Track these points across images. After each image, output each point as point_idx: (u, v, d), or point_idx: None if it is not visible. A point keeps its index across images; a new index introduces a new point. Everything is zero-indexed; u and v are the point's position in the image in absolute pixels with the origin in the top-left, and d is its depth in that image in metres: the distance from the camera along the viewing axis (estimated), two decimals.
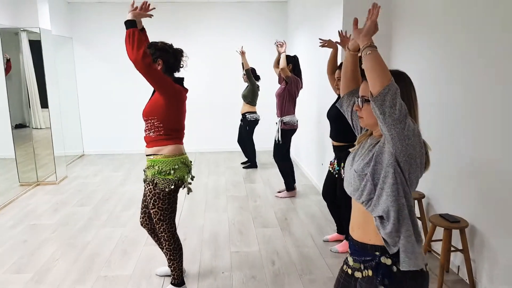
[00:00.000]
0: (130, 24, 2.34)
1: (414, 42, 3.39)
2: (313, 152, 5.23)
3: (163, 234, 2.61)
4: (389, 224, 1.37)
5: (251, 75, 5.60)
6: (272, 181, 5.33)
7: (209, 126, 7.16)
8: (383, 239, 1.39)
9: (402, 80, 1.41)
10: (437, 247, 3.00)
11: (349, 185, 1.50)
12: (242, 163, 6.19)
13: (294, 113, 4.48)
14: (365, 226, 1.46)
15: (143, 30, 2.57)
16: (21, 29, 5.34)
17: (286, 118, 4.41)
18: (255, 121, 5.87)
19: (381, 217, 1.39)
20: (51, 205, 4.61)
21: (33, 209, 4.47)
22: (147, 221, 2.79)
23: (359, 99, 1.47)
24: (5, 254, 3.41)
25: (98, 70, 6.99)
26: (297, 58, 4.47)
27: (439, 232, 2.81)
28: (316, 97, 4.97)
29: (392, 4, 3.70)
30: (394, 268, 1.38)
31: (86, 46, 6.96)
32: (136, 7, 2.39)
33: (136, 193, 4.90)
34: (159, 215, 2.57)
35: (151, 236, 2.85)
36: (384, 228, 1.38)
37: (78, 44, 6.95)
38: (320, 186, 4.77)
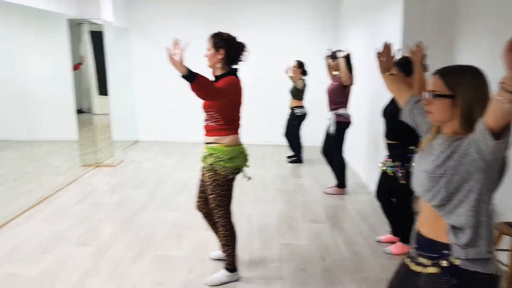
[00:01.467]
0: (187, 77, 2.19)
1: (479, 41, 3.24)
2: (364, 150, 5.16)
3: (220, 219, 2.70)
4: (464, 236, 1.33)
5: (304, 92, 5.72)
6: (320, 177, 5.31)
7: (256, 119, 7.23)
8: (454, 244, 1.36)
9: (481, 78, 1.38)
10: (503, 257, 2.87)
11: (418, 185, 1.47)
12: (287, 157, 6.22)
13: (346, 107, 4.45)
14: (434, 224, 1.43)
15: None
16: (84, 21, 5.67)
17: (340, 111, 4.38)
18: (303, 116, 5.87)
19: (454, 227, 1.35)
20: (110, 186, 4.88)
21: (94, 189, 4.76)
22: (203, 206, 2.89)
23: (429, 93, 1.41)
24: (71, 227, 3.68)
25: (153, 59, 7.26)
26: (349, 55, 4.40)
27: (506, 242, 2.69)
28: (369, 92, 4.88)
29: (456, 3, 3.55)
30: (464, 268, 1.35)
31: (142, 36, 7.25)
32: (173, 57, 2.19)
33: (188, 179, 5.07)
34: (218, 201, 2.66)
35: (206, 221, 2.95)
36: (457, 238, 1.34)
37: (135, 34, 7.25)
38: (371, 184, 4.70)
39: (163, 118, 7.44)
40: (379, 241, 3.48)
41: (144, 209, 4.16)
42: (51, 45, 6.94)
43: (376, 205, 3.59)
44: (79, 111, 6.47)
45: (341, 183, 4.63)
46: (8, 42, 6.83)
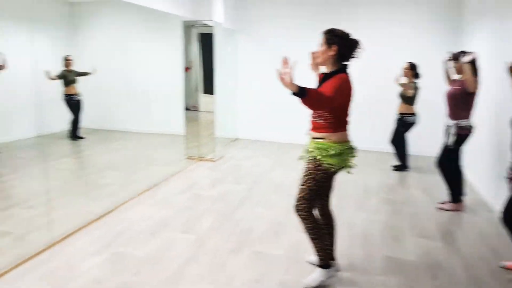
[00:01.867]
0: (298, 94, 2.16)
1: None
2: (486, 163, 4.53)
3: (301, 212, 2.58)
4: None
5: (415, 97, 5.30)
6: (431, 189, 4.81)
7: (360, 123, 6.89)
8: None
9: None
10: None
11: None
12: (393, 166, 5.77)
13: (470, 117, 3.92)
14: None
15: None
16: (197, 23, 5.96)
17: (463, 122, 3.89)
18: (413, 123, 5.39)
19: None
20: (211, 180, 5.04)
21: (196, 181, 4.95)
22: None
23: None
24: (175, 215, 3.85)
25: (257, 60, 7.39)
26: (475, 59, 3.85)
27: None
28: (494, 99, 4.27)
29: None
30: None
31: (248, 36, 7.41)
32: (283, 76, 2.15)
33: (284, 179, 5.02)
34: (305, 193, 2.57)
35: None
36: None
37: (242, 35, 7.45)
38: (493, 202, 4.10)
39: (262, 118, 7.52)
40: (503, 267, 2.98)
41: (242, 204, 4.18)
42: (166, 45, 7.50)
43: (500, 226, 3.08)
44: (186, 108, 6.85)
45: (457, 198, 4.11)
46: (129, 40, 7.60)
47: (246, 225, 3.66)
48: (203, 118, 6.89)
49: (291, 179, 4.97)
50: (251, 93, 7.56)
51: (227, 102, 7.24)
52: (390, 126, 5.80)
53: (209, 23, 5.83)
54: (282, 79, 2.13)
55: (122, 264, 2.95)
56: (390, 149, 5.90)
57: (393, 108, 5.72)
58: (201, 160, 5.95)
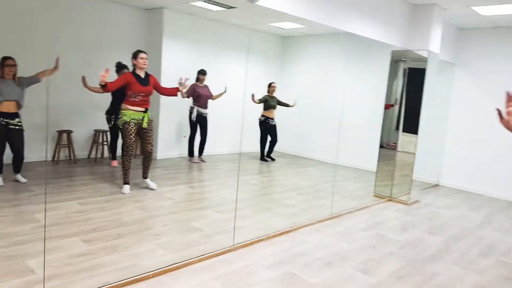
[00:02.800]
0: None
1: None
2: None
3: None
4: None
5: None
6: None
7: None
8: None
9: None
10: None
11: None
12: None
13: None
14: None
15: None
16: (406, 56, 5.50)
17: None
18: None
19: None
20: (400, 223, 4.44)
21: (382, 221, 4.45)
22: None
23: None
24: (354, 251, 3.48)
25: (474, 99, 6.37)
26: None
27: None
28: None
29: None
30: None
31: (467, 72, 6.48)
32: None
33: (497, 242, 3.99)
34: None
35: None
36: None
37: (460, 70, 6.57)
38: None
39: (473, 165, 6.36)
40: None
41: (436, 258, 3.48)
42: (369, 78, 7.31)
43: None
44: (380, 146, 6.41)
45: None
46: (331, 70, 7.67)
47: (442, 283, 2.98)
48: (399, 158, 6.30)
49: (507, 244, 3.92)
50: (462, 134, 6.54)
51: (431, 143, 6.45)
52: None
53: (423, 53, 5.32)
54: (506, 122, 1.64)
55: (293, 286, 2.76)
56: None
57: None
58: (391, 200, 5.39)
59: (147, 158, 4.70)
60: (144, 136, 4.62)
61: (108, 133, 6.15)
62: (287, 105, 7.54)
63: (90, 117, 6.22)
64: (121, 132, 4.54)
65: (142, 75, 4.51)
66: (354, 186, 5.96)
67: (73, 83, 5.89)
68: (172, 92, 4.76)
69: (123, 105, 4.50)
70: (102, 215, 3.74)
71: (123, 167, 4.57)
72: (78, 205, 3.95)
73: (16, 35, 5.28)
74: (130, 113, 4.45)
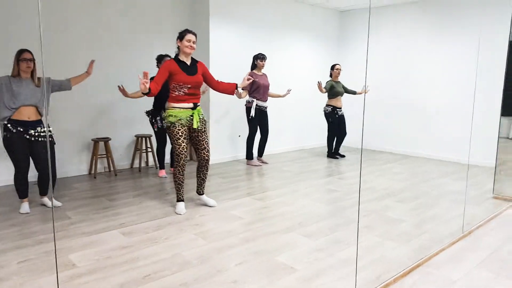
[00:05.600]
0: None
1: None
2: None
3: None
4: None
5: None
6: None
7: None
8: None
9: None
10: None
11: None
12: None
13: None
14: None
15: None
16: None
17: None
18: None
19: None
20: None
21: None
22: None
23: None
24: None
25: None
26: None
27: None
28: None
29: None
30: None
31: None
32: None
33: None
34: None
35: None
36: None
37: None
38: None
39: None
40: None
41: None
42: (468, 51, 5.90)
43: None
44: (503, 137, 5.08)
45: None
46: (413, 48, 5.96)
47: None
48: None
49: None
50: None
51: None
52: None
53: None
54: None
55: None
56: None
57: None
58: None
59: (203, 168, 3.67)
60: (196, 140, 3.59)
61: (153, 138, 5.22)
62: (354, 93, 6.30)
63: (129, 121, 5.30)
64: (169, 137, 3.53)
65: (188, 61, 3.47)
66: (457, 185, 4.68)
67: (107, 82, 5.02)
68: (228, 88, 3.70)
69: (167, 103, 3.49)
70: (155, 251, 2.73)
71: (175, 181, 3.57)
72: (121, 237, 2.97)
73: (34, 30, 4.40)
74: (176, 111, 3.43)
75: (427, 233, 3.13)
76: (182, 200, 3.62)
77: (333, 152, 6.34)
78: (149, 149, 5.45)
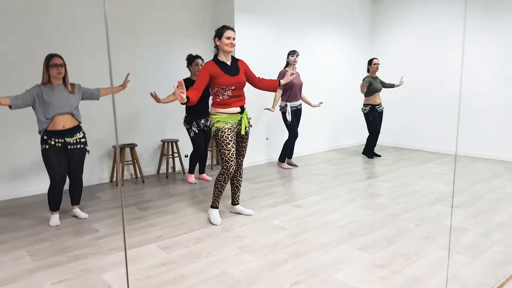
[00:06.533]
0: None
1: None
2: None
3: None
4: None
5: None
6: None
7: None
8: None
9: None
10: None
11: None
12: None
13: None
14: None
15: None
16: None
17: None
18: None
19: None
20: None
21: None
22: None
23: None
24: None
25: None
26: None
27: None
28: None
29: None
30: None
31: None
32: None
33: None
34: None
35: None
36: None
37: None
38: None
39: None
40: None
41: None
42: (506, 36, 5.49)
43: None
44: None
45: None
46: (447, 35, 5.50)
47: None
48: None
49: None
50: None
51: None
52: None
53: None
54: None
55: None
56: None
57: None
58: None
59: (236, 173, 3.41)
60: (239, 146, 3.34)
61: (180, 143, 4.98)
62: (392, 86, 5.97)
63: (154, 125, 5.07)
64: (216, 143, 3.25)
65: (229, 61, 3.20)
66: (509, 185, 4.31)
67: (132, 86, 4.81)
68: (271, 85, 3.39)
69: (212, 109, 3.22)
70: (199, 268, 2.47)
71: (217, 187, 3.29)
72: (159, 251, 2.72)
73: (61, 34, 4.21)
74: (224, 117, 3.16)
75: (499, 244, 2.80)
76: (217, 207, 3.36)
77: (370, 152, 6.01)
78: (176, 154, 5.21)
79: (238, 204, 3.53)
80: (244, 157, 3.38)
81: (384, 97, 6.94)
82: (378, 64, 5.72)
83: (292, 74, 3.34)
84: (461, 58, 6.06)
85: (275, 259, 2.59)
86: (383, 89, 6.18)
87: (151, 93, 4.01)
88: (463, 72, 5.99)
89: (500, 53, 5.60)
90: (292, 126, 5.14)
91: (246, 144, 3.35)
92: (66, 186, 4.27)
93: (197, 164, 5.28)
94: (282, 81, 3.40)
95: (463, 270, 2.42)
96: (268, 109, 4.94)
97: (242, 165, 3.40)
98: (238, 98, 3.20)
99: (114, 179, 4.70)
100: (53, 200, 3.27)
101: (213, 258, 2.61)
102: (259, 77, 3.39)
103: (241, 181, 3.47)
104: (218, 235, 3.02)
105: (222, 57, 3.16)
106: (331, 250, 2.74)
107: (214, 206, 3.35)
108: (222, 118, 3.14)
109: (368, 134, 5.94)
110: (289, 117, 5.04)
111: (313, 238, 2.95)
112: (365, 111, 5.82)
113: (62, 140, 3.17)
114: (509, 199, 3.88)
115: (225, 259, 2.59)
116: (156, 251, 2.74)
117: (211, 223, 3.27)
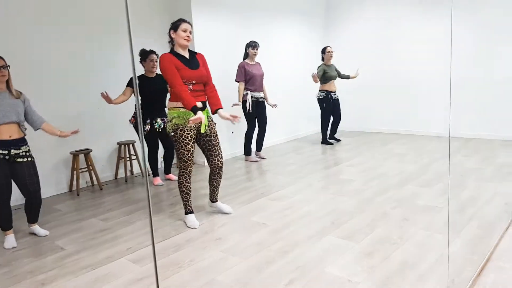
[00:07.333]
0: None
1: None
2: None
3: None
4: None
5: None
6: None
7: None
8: None
9: None
10: None
11: None
12: None
13: None
14: None
15: None
16: None
17: None
18: None
19: None
20: None
21: None
22: None
23: None
24: None
25: None
26: None
27: None
28: None
29: None
30: None
31: None
32: None
33: None
34: None
35: None
36: None
37: None
38: None
39: None
40: None
41: None
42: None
43: None
44: None
45: None
46: (398, 24, 5.72)
47: None
48: None
49: None
50: None
51: None
52: None
53: None
54: None
55: None
56: None
57: None
58: None
59: (217, 175, 3.24)
60: (208, 145, 3.14)
61: (135, 144, 4.69)
62: (347, 77, 6.01)
63: (109, 128, 4.73)
64: (174, 141, 3.05)
65: (186, 54, 3.01)
66: (471, 162, 4.51)
67: (82, 88, 4.42)
68: (212, 102, 3.12)
69: (170, 103, 3.01)
70: (183, 278, 2.30)
71: (182, 190, 3.12)
72: (133, 265, 2.51)
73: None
74: (182, 112, 2.96)
75: (474, 220, 2.89)
76: (192, 212, 3.18)
77: (328, 138, 6.06)
78: (133, 157, 4.91)
79: (217, 201, 3.37)
80: (221, 156, 3.18)
81: (339, 84, 7.01)
82: (331, 52, 5.74)
83: (234, 116, 3.06)
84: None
85: (263, 259, 2.48)
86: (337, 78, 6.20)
87: (101, 94, 3.72)
88: (405, 54, 6.18)
89: (446, 34, 5.84)
90: (251, 116, 5.03)
91: (217, 142, 3.16)
92: (20, 202, 3.86)
93: (162, 163, 5.00)
94: (223, 113, 3.05)
95: (449, 249, 2.45)
96: (236, 104, 4.80)
97: (221, 166, 3.19)
98: (199, 93, 3.02)
99: (74, 188, 4.34)
100: (2, 218, 2.91)
101: (197, 266, 2.45)
102: (213, 84, 3.15)
103: (220, 181, 3.30)
104: (198, 239, 2.85)
105: (179, 50, 2.97)
106: (317, 242, 2.67)
107: (188, 211, 3.17)
108: (181, 114, 2.95)
109: (320, 122, 5.95)
110: (249, 106, 4.91)
111: (296, 232, 2.87)
112: (320, 97, 5.83)
113: (7, 152, 2.81)
114: (470, 174, 4.05)
115: (211, 265, 2.44)
116: (128, 265, 2.52)
117: (189, 227, 3.09)
